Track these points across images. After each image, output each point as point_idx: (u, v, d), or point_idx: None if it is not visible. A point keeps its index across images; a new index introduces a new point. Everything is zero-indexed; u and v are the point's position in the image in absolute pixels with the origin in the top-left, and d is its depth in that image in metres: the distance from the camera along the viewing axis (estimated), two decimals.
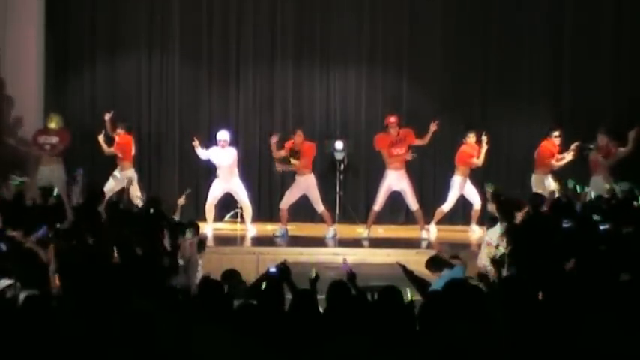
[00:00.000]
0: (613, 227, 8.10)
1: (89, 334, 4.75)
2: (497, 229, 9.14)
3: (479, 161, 12.76)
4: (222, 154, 12.70)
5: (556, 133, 12.66)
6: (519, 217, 9.05)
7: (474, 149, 12.81)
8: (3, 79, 13.09)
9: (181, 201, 10.36)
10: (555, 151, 12.63)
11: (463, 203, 13.22)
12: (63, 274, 6.82)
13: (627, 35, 14.06)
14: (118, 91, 14.24)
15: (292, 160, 12.31)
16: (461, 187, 12.87)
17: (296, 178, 12.53)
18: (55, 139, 12.63)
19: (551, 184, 12.25)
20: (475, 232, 12.55)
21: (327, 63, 14.32)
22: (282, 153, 12.35)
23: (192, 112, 14.32)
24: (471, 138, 12.85)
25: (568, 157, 12.48)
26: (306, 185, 12.43)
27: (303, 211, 13.23)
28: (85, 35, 14.21)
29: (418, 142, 12.44)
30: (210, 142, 13.95)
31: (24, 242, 7.42)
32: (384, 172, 12.49)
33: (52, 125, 12.66)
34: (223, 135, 12.75)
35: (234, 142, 13.11)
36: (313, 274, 6.28)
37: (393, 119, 12.39)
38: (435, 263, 8.12)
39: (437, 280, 7.56)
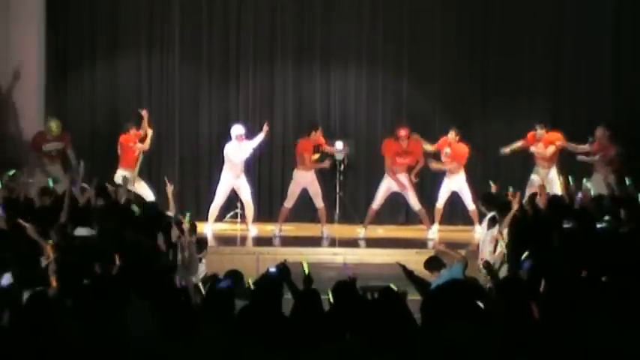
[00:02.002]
0: (612, 226, 8.10)
1: (87, 333, 4.75)
2: (496, 229, 9.16)
3: (445, 164, 12.78)
4: (239, 149, 12.67)
5: (536, 127, 12.74)
6: (514, 208, 9.05)
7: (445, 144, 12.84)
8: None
9: (169, 189, 10.10)
10: (530, 142, 12.74)
11: (462, 202, 13.20)
12: (61, 273, 6.82)
13: (627, 35, 14.06)
14: (118, 91, 14.24)
15: (313, 157, 12.68)
16: (446, 182, 12.87)
17: (295, 174, 12.58)
18: (60, 145, 12.65)
19: (553, 178, 12.31)
20: (478, 232, 12.52)
21: (327, 63, 14.31)
22: (315, 156, 12.68)
23: (192, 112, 14.32)
24: (451, 134, 12.82)
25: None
26: (306, 181, 12.48)
27: (303, 211, 13.23)
28: (85, 35, 14.21)
29: (426, 147, 12.69)
30: (210, 142, 14.00)
31: (31, 235, 7.40)
32: (385, 174, 12.55)
33: (55, 130, 12.63)
34: (239, 129, 12.73)
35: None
36: (306, 268, 6.27)
37: (403, 132, 12.46)
38: (432, 263, 8.14)
39: (436, 281, 7.57)
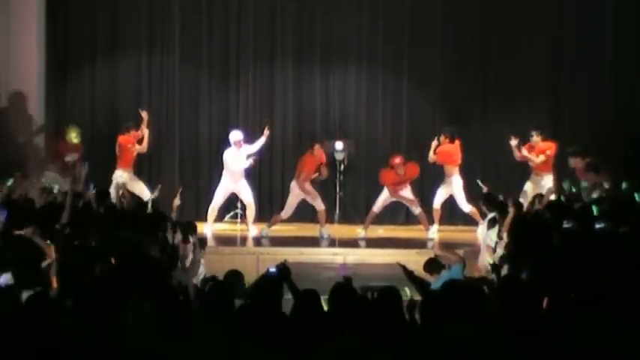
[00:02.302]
0: (611, 227, 8.09)
1: (87, 334, 4.75)
2: (496, 229, 9.18)
3: (431, 157, 12.79)
4: (238, 156, 12.66)
5: (532, 133, 12.63)
6: (512, 211, 9.06)
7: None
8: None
9: (177, 201, 10.24)
10: (524, 149, 12.61)
11: None
12: (62, 274, 6.82)
13: (627, 35, 14.06)
14: (118, 91, 14.24)
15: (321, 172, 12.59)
16: (442, 185, 12.86)
17: (292, 186, 12.58)
18: (76, 155, 12.72)
19: (548, 184, 12.29)
20: (480, 232, 12.50)
21: (327, 63, 14.32)
22: (314, 175, 12.58)
23: (192, 112, 14.32)
24: (442, 138, 12.80)
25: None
26: (303, 191, 12.48)
27: (303, 211, 13.22)
28: (85, 35, 14.21)
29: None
30: (210, 143, 14.00)
31: (32, 239, 7.39)
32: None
33: (75, 139, 12.67)
34: (237, 135, 12.72)
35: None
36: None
37: (398, 160, 12.43)
38: (431, 265, 8.16)
39: (436, 282, 7.59)
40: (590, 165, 11.60)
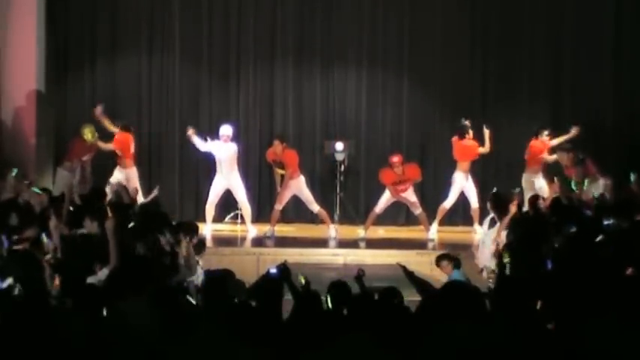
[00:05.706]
0: (616, 224, 8.07)
1: (87, 333, 4.75)
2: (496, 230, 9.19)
3: (485, 148, 12.74)
4: (223, 149, 12.66)
5: (546, 132, 12.69)
6: (512, 211, 9.08)
7: (474, 143, 12.78)
8: None
9: (155, 192, 10.45)
10: (545, 148, 12.64)
11: (463, 203, 13.21)
12: (62, 273, 6.82)
13: (627, 35, 14.07)
14: (118, 91, 14.23)
15: (278, 170, 12.56)
16: (462, 183, 12.82)
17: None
18: (90, 156, 12.72)
19: (541, 183, 12.31)
20: (478, 232, 12.50)
21: (327, 63, 14.31)
22: (281, 171, 12.55)
23: (192, 112, 14.31)
24: (471, 134, 12.81)
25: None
26: (296, 187, 12.50)
27: (303, 211, 13.23)
28: (85, 35, 14.21)
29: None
30: (212, 139, 13.99)
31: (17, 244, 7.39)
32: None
33: (91, 138, 12.62)
34: (226, 130, 12.70)
35: (235, 140, 12.98)
36: (302, 281, 6.25)
37: (396, 159, 12.38)
38: (444, 260, 8.30)
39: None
40: (575, 158, 11.64)
